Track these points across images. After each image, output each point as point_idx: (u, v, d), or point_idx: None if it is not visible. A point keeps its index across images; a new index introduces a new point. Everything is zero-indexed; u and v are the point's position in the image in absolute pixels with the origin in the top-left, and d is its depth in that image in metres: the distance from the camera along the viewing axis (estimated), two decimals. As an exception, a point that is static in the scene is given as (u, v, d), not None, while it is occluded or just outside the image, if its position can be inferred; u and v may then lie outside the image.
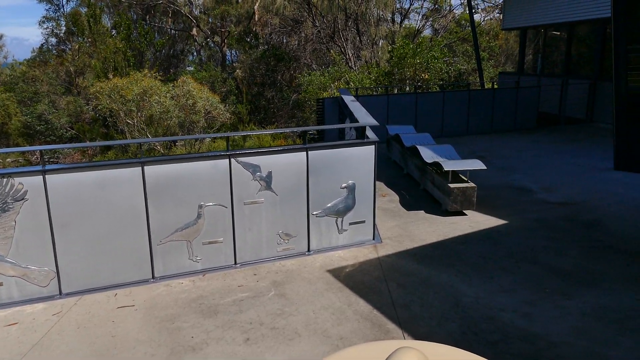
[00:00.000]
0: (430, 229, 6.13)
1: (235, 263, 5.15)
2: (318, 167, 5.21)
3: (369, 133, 5.51)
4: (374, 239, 5.72)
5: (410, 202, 7.23)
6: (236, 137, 20.30)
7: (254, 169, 4.95)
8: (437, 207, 6.90)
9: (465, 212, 6.68)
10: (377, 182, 8.34)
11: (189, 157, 4.78)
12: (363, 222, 5.60)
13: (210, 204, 4.89)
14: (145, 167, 4.61)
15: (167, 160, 4.70)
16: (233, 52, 35.38)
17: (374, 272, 4.96)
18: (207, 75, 28.51)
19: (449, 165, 6.68)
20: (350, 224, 5.54)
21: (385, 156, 10.27)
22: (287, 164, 5.08)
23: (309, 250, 5.43)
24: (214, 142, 21.13)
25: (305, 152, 5.11)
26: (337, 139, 9.71)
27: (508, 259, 5.18)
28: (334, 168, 5.29)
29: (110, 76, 20.54)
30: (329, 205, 5.37)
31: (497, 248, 5.48)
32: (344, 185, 5.37)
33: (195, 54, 37.14)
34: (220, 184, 4.89)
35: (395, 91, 21.21)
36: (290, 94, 28.46)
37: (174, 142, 21.73)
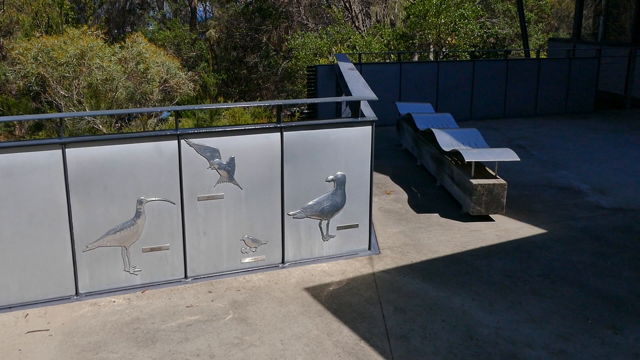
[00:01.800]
0: (445, 237, 6.12)
1: (186, 277, 5.12)
2: (297, 153, 5.17)
3: (365, 110, 5.46)
4: (369, 248, 5.70)
5: (421, 203, 7.21)
6: (198, 114, 20.05)
7: (212, 153, 4.90)
8: (456, 210, 6.90)
9: (491, 216, 6.66)
10: (380, 175, 8.46)
11: (125, 136, 4.74)
12: (356, 226, 5.58)
13: (153, 199, 4.85)
14: (67, 150, 4.56)
15: (96, 141, 4.65)
16: (206, 6, 35.36)
17: (366, 291, 4.94)
18: (171, 36, 28.51)
19: (471, 156, 6.66)
20: (339, 228, 5.51)
21: (395, 142, 10.26)
22: (255, 148, 5.04)
23: (283, 261, 5.40)
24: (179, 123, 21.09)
25: (279, 133, 5.06)
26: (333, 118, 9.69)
27: (542, 280, 5.16)
28: (318, 154, 5.25)
29: (37, 34, 20.45)
30: (311, 203, 5.34)
31: (529, 265, 5.46)
32: (330, 177, 5.33)
33: (157, 8, 37.15)
34: (166, 172, 4.85)
35: (416, 58, 21.22)
36: (279, 60, 28.47)
37: (126, 121, 21.68)
